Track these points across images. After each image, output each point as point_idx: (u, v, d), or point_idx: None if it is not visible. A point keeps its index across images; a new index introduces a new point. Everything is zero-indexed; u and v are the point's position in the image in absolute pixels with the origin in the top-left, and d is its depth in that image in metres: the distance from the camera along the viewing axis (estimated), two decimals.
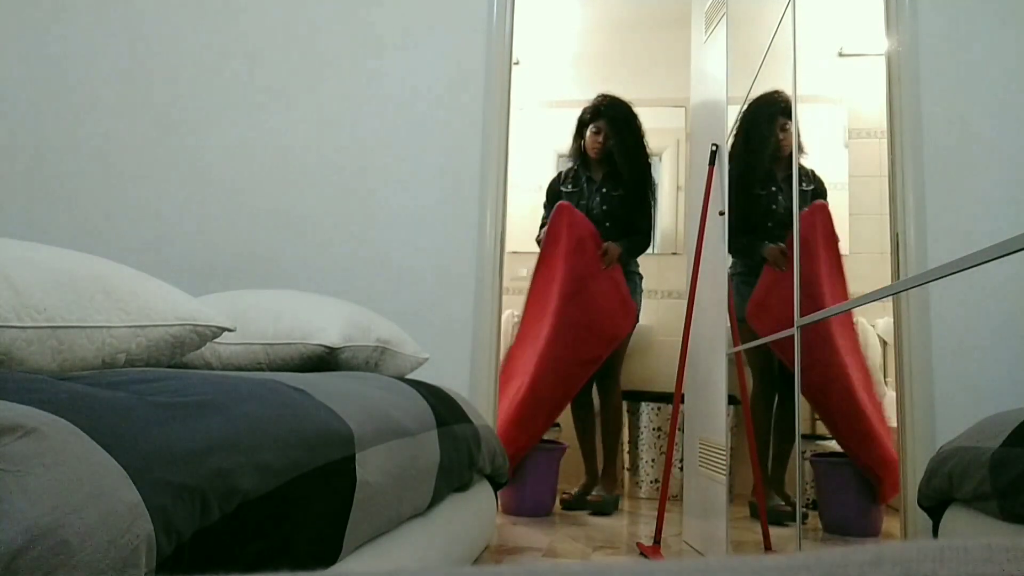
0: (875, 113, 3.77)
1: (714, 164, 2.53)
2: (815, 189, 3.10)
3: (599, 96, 3.40)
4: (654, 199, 3.39)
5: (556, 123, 4.69)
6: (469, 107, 2.69)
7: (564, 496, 3.16)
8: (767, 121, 2.95)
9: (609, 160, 3.30)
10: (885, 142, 2.46)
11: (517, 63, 3.06)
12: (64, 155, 2.84)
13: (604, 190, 3.29)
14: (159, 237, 2.75)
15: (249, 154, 2.78)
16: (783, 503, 2.88)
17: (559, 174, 3.47)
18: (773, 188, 3.04)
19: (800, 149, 2.78)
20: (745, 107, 2.96)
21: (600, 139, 3.30)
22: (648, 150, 3.38)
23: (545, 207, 3.40)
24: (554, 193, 3.41)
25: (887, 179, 2.44)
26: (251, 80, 2.82)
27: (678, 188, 4.34)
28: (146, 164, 2.81)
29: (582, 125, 3.40)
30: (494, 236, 2.64)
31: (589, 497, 3.13)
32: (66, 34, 2.91)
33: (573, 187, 3.36)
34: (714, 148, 2.53)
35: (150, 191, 2.79)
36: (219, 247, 2.72)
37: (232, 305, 1.58)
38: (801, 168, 2.86)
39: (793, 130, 1.92)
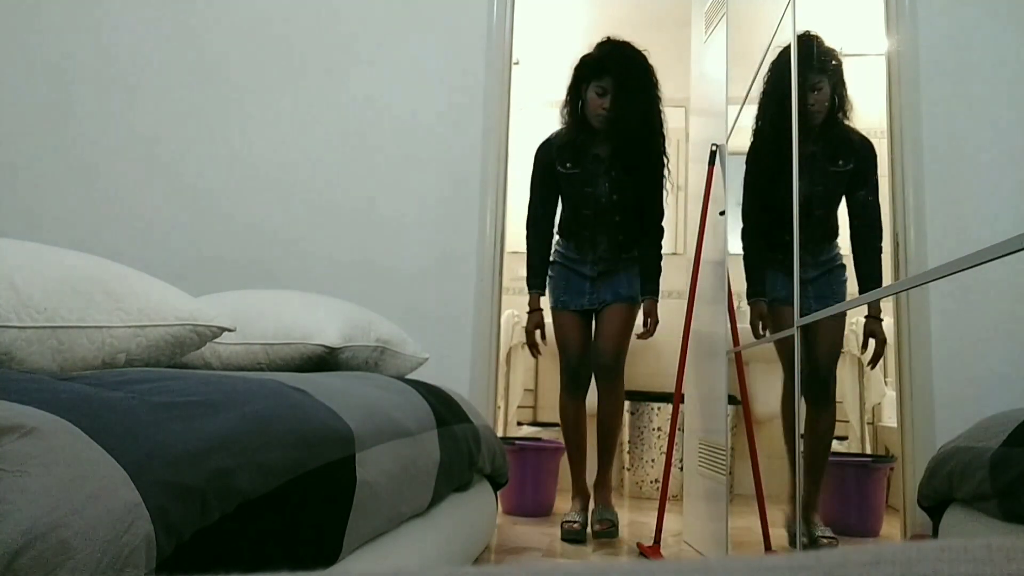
0: (875, 113, 3.77)
1: (714, 164, 2.53)
2: (856, 168, 2.21)
3: (604, 42, 2.64)
4: (668, 183, 2.74)
5: (556, 123, 4.70)
6: (469, 107, 2.70)
7: (569, 525, 2.53)
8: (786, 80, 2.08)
9: (616, 128, 2.58)
10: (885, 142, 2.47)
11: (517, 63, 3.06)
12: (65, 155, 2.84)
13: (614, 173, 2.62)
14: (159, 237, 2.75)
15: (249, 153, 2.78)
16: (828, 534, 2.28)
17: (550, 141, 2.70)
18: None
19: (841, 109, 2.17)
20: (768, 67, 2.32)
21: (606, 103, 2.55)
22: (665, 119, 2.67)
23: (536, 184, 2.73)
24: (548, 169, 2.67)
25: (887, 179, 2.44)
26: (251, 79, 2.82)
27: (678, 188, 4.34)
28: (148, 165, 2.81)
29: (580, 80, 2.62)
30: (494, 236, 2.64)
31: (598, 526, 2.53)
32: (78, 29, 2.91)
33: (574, 166, 2.62)
34: (714, 148, 2.52)
35: (151, 192, 2.79)
36: (219, 247, 2.72)
37: (232, 305, 1.58)
38: (840, 137, 2.20)
39: (794, 119, 1.91)
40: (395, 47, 2.77)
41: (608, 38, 2.64)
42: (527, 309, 2.75)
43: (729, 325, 2.40)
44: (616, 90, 2.55)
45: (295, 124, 2.78)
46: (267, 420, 0.86)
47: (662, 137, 2.66)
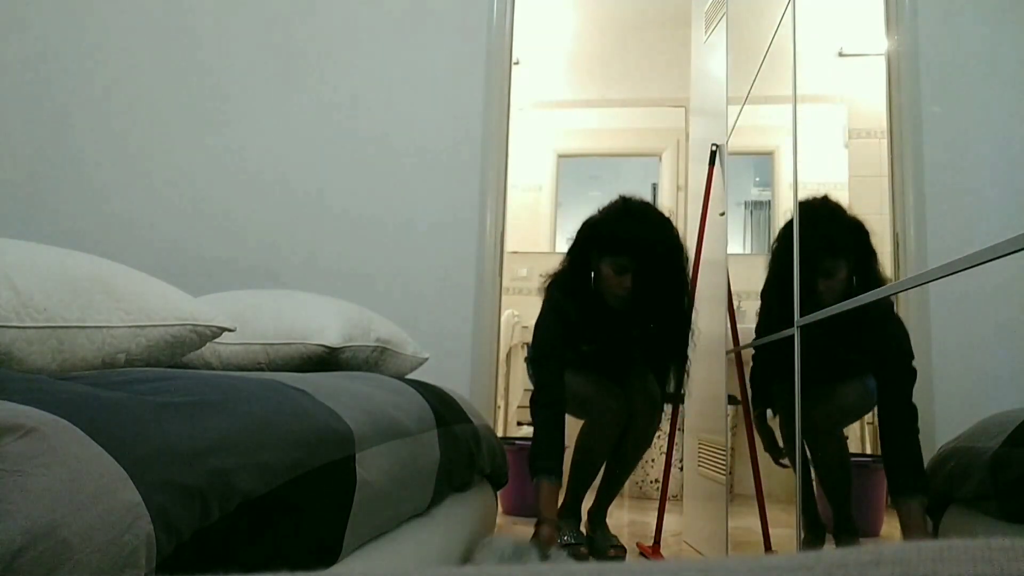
0: (875, 113, 3.77)
1: (714, 164, 2.54)
2: (881, 358, 1.74)
3: (620, 210, 2.16)
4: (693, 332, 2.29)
5: (556, 123, 4.70)
6: (469, 107, 2.70)
7: (575, 550, 2.16)
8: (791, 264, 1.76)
9: (637, 311, 2.16)
10: (885, 142, 2.47)
11: (517, 63, 3.06)
12: (65, 155, 2.84)
13: (631, 333, 2.25)
14: (159, 237, 2.75)
15: (249, 154, 2.78)
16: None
17: (563, 312, 2.15)
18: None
19: (865, 288, 1.62)
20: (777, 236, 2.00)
21: (627, 282, 2.10)
22: (693, 299, 2.29)
23: (546, 358, 2.13)
24: (564, 341, 2.16)
25: (887, 179, 2.44)
26: (250, 79, 2.82)
27: (678, 188, 4.34)
28: (147, 165, 2.81)
29: (591, 247, 2.17)
30: (494, 236, 2.64)
31: (612, 551, 2.22)
32: (76, 32, 2.91)
33: (593, 343, 2.24)
34: (714, 148, 2.53)
35: (151, 192, 2.79)
36: (219, 247, 2.72)
37: (232, 305, 1.58)
38: (857, 328, 1.75)
39: (792, 142, 1.91)
40: (395, 47, 2.77)
41: (624, 200, 2.19)
42: (535, 518, 1.97)
43: (729, 325, 2.40)
44: (638, 271, 2.09)
45: (294, 125, 2.78)
46: (267, 420, 0.86)
47: (688, 325, 2.25)
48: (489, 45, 2.72)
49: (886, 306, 1.79)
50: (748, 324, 2.61)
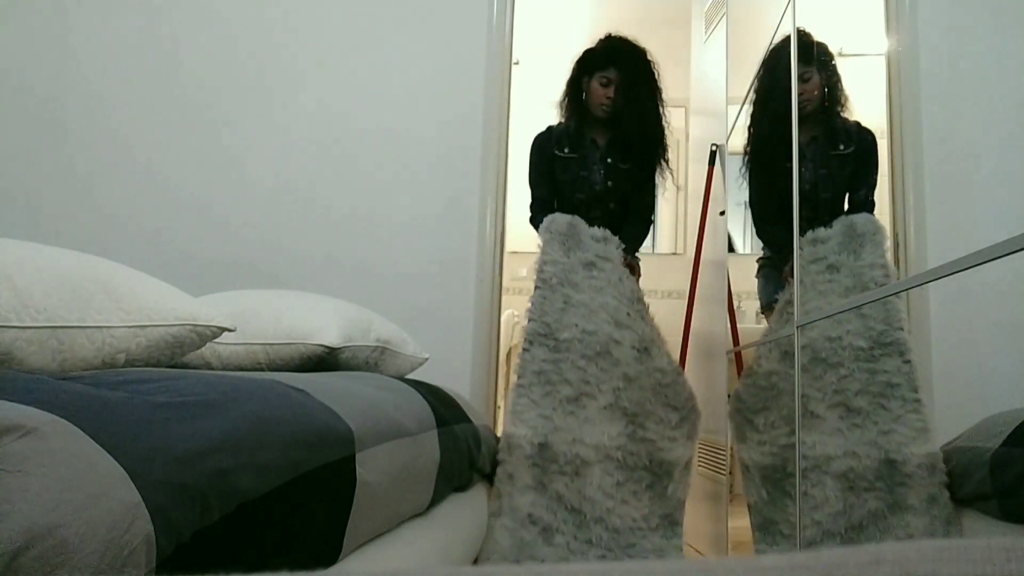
0: (875, 113, 3.77)
1: (714, 164, 2.54)
2: (857, 150, 2.29)
3: (608, 37, 2.66)
4: (667, 173, 2.66)
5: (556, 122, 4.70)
6: (469, 107, 2.70)
7: None
8: (782, 73, 2.10)
9: (617, 120, 2.56)
10: (885, 142, 2.47)
11: (517, 63, 3.06)
12: (64, 155, 2.84)
13: (610, 160, 2.57)
14: (160, 237, 2.75)
15: (248, 153, 2.78)
16: None
17: (550, 130, 2.67)
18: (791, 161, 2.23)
19: (833, 100, 2.22)
20: (760, 67, 2.42)
21: (611, 92, 2.55)
22: (665, 112, 2.64)
23: (533, 175, 2.62)
24: (546, 156, 2.61)
25: (887, 179, 2.44)
26: (251, 79, 2.82)
27: (678, 188, 4.34)
28: (147, 165, 2.81)
29: (583, 72, 2.63)
30: (494, 236, 2.64)
31: None
32: (70, 35, 2.91)
33: (572, 151, 2.59)
34: (714, 148, 2.53)
35: (151, 192, 2.79)
36: (219, 247, 2.72)
37: (232, 305, 1.57)
38: (836, 124, 2.26)
39: (795, 133, 1.91)
40: (395, 47, 2.77)
41: (609, 34, 2.65)
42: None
43: (729, 325, 2.40)
44: (620, 81, 2.54)
45: (294, 126, 2.78)
46: (267, 420, 0.86)
47: (662, 129, 2.61)
48: (489, 45, 2.72)
49: (857, 126, 2.27)
50: (748, 324, 2.61)
